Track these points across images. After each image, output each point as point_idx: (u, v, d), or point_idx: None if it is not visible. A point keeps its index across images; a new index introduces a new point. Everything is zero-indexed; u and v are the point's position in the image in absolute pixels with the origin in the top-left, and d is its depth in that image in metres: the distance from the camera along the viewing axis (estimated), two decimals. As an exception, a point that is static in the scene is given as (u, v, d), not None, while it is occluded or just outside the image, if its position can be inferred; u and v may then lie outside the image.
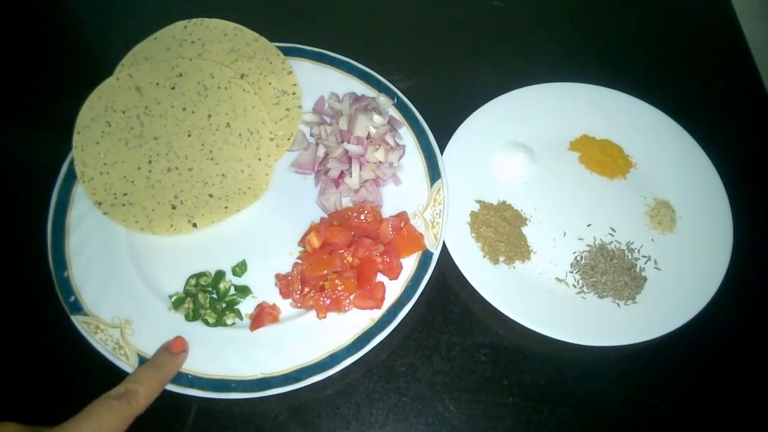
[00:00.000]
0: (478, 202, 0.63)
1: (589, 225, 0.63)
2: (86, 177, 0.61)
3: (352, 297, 0.56)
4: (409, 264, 0.58)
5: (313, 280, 0.56)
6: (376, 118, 0.62)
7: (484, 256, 0.60)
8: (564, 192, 0.65)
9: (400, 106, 0.66)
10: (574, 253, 0.61)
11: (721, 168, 0.65)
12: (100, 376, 0.55)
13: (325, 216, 0.61)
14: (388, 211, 0.61)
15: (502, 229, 0.61)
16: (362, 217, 0.58)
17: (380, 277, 0.57)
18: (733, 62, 0.78)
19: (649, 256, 0.61)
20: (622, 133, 0.68)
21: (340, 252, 0.57)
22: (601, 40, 0.80)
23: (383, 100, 0.65)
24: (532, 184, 0.65)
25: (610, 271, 0.59)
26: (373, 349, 0.54)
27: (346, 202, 0.62)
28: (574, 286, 0.60)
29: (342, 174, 0.62)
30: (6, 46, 0.77)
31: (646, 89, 0.71)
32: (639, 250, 0.62)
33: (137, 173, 0.62)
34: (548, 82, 0.70)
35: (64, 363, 0.56)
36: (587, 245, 0.62)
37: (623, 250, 0.61)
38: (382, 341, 0.55)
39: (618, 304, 0.58)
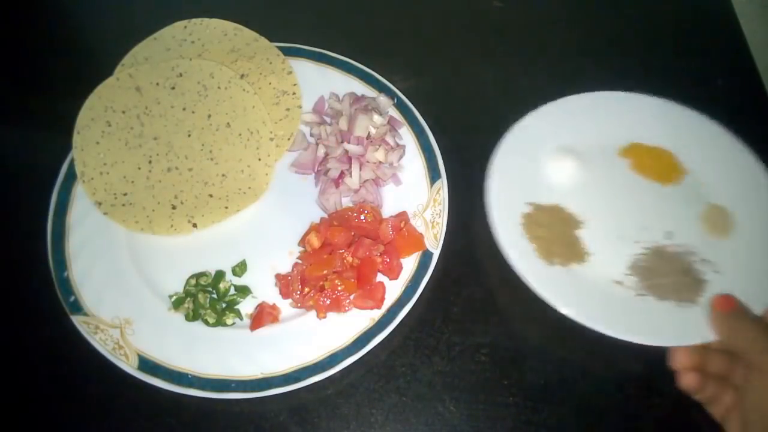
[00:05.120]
0: (530, 204, 0.62)
1: (644, 229, 0.62)
2: (86, 177, 0.61)
3: (352, 297, 0.56)
4: (409, 264, 0.58)
5: (313, 280, 0.56)
6: (376, 118, 0.62)
7: (538, 257, 0.59)
8: (616, 197, 0.64)
9: (400, 106, 0.66)
10: (631, 255, 0.60)
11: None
12: (100, 376, 0.55)
13: (325, 216, 0.61)
14: (388, 211, 0.61)
15: (556, 230, 0.60)
16: (362, 217, 0.58)
17: (380, 277, 0.57)
18: (733, 62, 0.78)
19: (708, 259, 0.60)
20: (672, 140, 0.67)
21: (340, 252, 0.57)
22: (600, 41, 0.80)
23: (383, 100, 0.65)
24: (583, 189, 0.65)
25: (668, 273, 0.59)
26: (373, 349, 0.54)
27: (346, 202, 0.62)
28: (632, 288, 0.58)
29: (342, 174, 0.62)
30: (6, 47, 0.77)
31: (646, 89, 0.71)
32: (697, 254, 0.60)
33: (137, 173, 0.62)
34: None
35: (64, 363, 0.56)
36: (644, 248, 0.61)
37: (681, 252, 0.60)
38: (382, 341, 0.55)
39: (678, 306, 0.57)
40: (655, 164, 0.66)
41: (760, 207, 0.63)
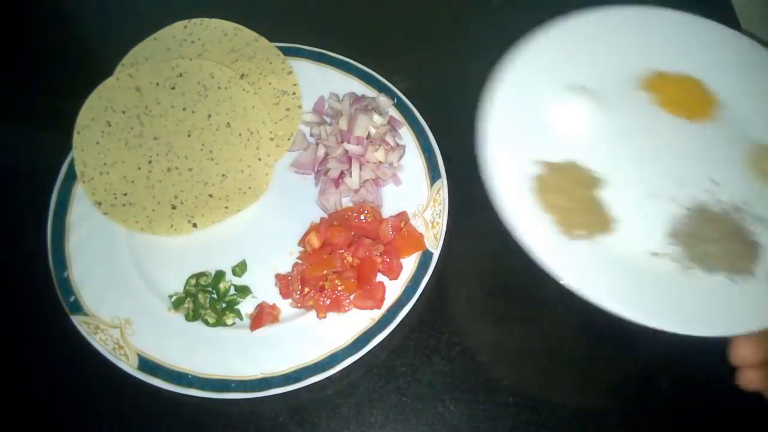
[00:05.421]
0: (540, 163, 0.50)
1: (679, 182, 0.51)
2: (86, 177, 0.61)
3: (352, 297, 0.56)
4: (409, 264, 0.58)
5: (313, 280, 0.56)
6: (376, 118, 0.62)
7: (557, 231, 0.48)
8: (644, 143, 0.52)
9: (400, 106, 0.66)
10: (670, 218, 0.49)
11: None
12: (100, 376, 0.55)
13: (325, 216, 0.61)
14: (388, 211, 0.61)
15: (575, 195, 0.50)
16: (362, 217, 0.58)
17: (380, 277, 0.57)
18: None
19: (761, 216, 0.49)
20: (701, 65, 0.56)
21: (340, 252, 0.57)
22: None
23: (383, 100, 0.65)
24: (602, 136, 0.52)
25: (716, 238, 0.48)
26: (373, 349, 0.54)
27: (346, 202, 0.62)
28: (674, 261, 0.48)
29: (342, 174, 0.62)
30: (6, 46, 0.77)
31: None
32: (746, 209, 0.49)
33: (137, 173, 0.62)
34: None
35: (64, 363, 0.56)
36: (684, 208, 0.50)
37: (728, 209, 0.49)
38: (382, 341, 0.55)
39: (731, 280, 0.47)
40: (684, 97, 0.55)
41: None
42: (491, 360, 0.57)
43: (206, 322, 0.56)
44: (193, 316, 0.56)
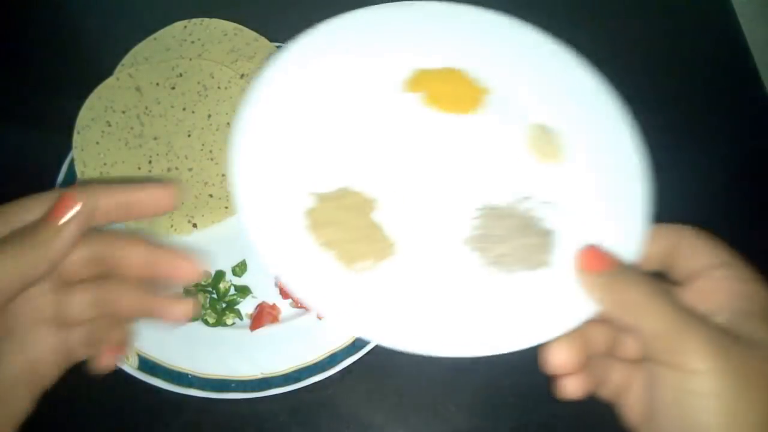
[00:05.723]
0: (311, 195, 0.43)
1: (462, 183, 0.46)
2: (86, 177, 0.61)
3: (352, 297, 0.56)
4: (409, 264, 0.58)
5: (313, 280, 0.56)
6: (376, 118, 0.62)
7: (342, 270, 0.41)
8: (417, 149, 0.47)
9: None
10: (459, 225, 0.44)
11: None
12: (100, 376, 0.55)
13: (325, 216, 0.61)
14: (388, 211, 0.61)
15: (352, 224, 0.43)
16: (362, 217, 0.58)
17: (380, 277, 0.57)
18: (733, 62, 0.78)
19: (547, 200, 0.45)
20: (464, 54, 0.51)
21: (340, 252, 0.57)
22: (600, 41, 0.80)
23: (383, 100, 0.65)
24: (370, 152, 0.46)
25: (508, 236, 0.43)
26: (373, 349, 0.54)
27: (346, 202, 0.62)
28: (474, 270, 0.42)
29: (342, 174, 0.62)
30: (6, 46, 0.77)
31: (643, 87, 0.71)
32: (533, 196, 0.45)
33: (137, 173, 0.62)
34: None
35: (64, 363, 0.56)
36: (473, 210, 0.44)
37: (516, 201, 0.45)
38: (382, 341, 0.55)
39: (536, 277, 0.41)
40: (450, 91, 0.50)
41: (589, 114, 0.48)
42: (491, 360, 0.57)
43: (206, 322, 0.56)
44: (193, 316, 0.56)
